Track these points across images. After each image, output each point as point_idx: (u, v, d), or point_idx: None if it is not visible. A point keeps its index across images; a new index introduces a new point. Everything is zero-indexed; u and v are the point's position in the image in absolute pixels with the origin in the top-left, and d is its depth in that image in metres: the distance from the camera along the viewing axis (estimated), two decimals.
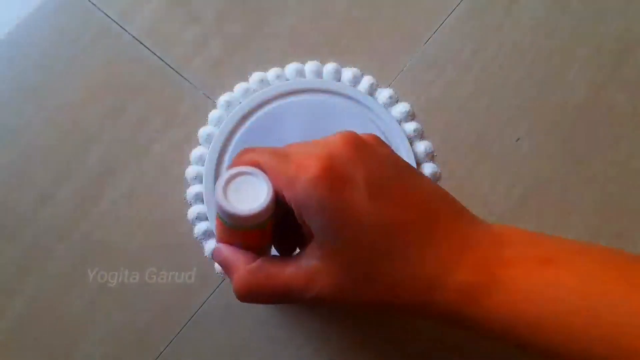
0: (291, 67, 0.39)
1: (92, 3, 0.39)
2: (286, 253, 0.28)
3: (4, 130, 0.37)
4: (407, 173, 0.25)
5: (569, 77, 0.39)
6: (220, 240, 0.27)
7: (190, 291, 0.35)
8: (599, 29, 0.40)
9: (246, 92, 0.38)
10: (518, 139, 0.38)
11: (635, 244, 0.37)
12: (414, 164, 0.37)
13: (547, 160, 0.38)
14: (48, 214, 0.36)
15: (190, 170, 0.37)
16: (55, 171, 0.36)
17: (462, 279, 0.22)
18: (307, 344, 0.35)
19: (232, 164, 0.26)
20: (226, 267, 0.26)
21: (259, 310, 0.35)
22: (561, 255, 0.23)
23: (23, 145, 0.37)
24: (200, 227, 0.36)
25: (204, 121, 0.38)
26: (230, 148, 0.37)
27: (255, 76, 0.38)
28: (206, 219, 0.36)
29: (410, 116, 0.38)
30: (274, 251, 0.29)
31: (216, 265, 0.35)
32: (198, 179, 0.36)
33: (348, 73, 0.39)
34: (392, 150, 0.26)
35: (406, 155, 0.37)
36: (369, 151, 0.24)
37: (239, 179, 0.24)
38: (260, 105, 0.37)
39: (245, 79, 0.38)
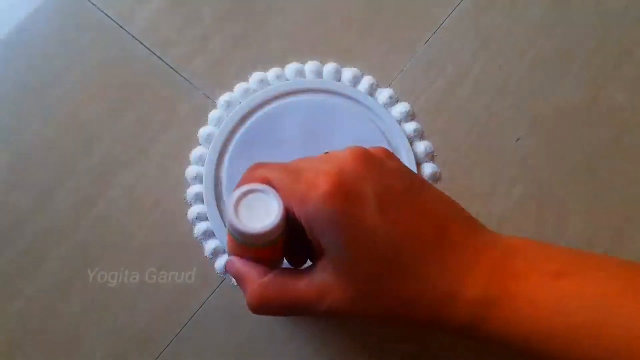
0: (291, 67, 0.39)
1: (92, 3, 0.39)
2: (297, 264, 0.29)
3: (3, 130, 0.37)
4: (417, 186, 0.25)
5: (569, 77, 0.39)
6: (233, 254, 0.27)
7: (190, 291, 0.35)
8: (599, 29, 0.40)
9: (246, 92, 0.38)
10: (518, 139, 0.38)
11: (635, 243, 0.37)
12: (414, 164, 0.37)
13: (547, 160, 0.38)
14: (48, 214, 0.36)
15: (190, 170, 0.37)
16: (55, 171, 0.36)
17: (474, 294, 0.22)
18: (307, 343, 0.35)
19: (242, 180, 0.26)
20: (239, 280, 0.27)
21: None
22: (574, 268, 0.23)
23: (23, 145, 0.37)
24: (200, 227, 0.36)
25: (204, 121, 0.38)
26: (230, 148, 0.37)
27: (255, 76, 0.38)
28: (206, 219, 0.36)
29: (410, 116, 0.38)
30: (285, 263, 0.29)
31: (216, 266, 0.35)
32: (198, 179, 0.36)
33: (348, 73, 0.39)
34: (402, 163, 0.26)
35: (406, 155, 0.37)
36: (378, 165, 0.24)
37: (250, 197, 0.24)
38: (260, 105, 0.37)
39: (245, 79, 0.38)
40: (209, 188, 0.36)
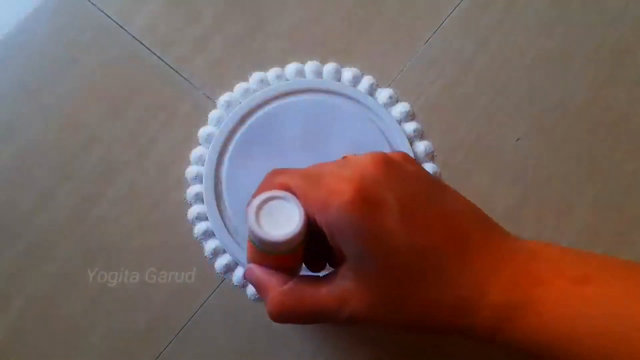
0: (291, 67, 0.39)
1: (92, 3, 0.39)
2: (316, 270, 0.29)
3: (3, 130, 0.37)
4: (437, 190, 0.25)
5: (569, 77, 0.39)
6: (252, 261, 0.27)
7: (190, 291, 0.35)
8: (599, 29, 0.40)
9: (246, 92, 0.38)
10: (518, 139, 0.38)
11: (635, 243, 0.37)
12: None
13: (547, 160, 0.38)
14: (48, 214, 0.36)
15: (190, 170, 0.37)
16: (55, 171, 0.36)
17: (496, 300, 0.22)
18: (307, 343, 0.35)
19: (261, 187, 0.26)
20: (259, 288, 0.26)
21: (259, 310, 0.35)
22: (597, 274, 0.23)
23: (23, 145, 0.37)
24: (200, 227, 0.36)
25: (204, 121, 0.38)
26: (230, 148, 0.37)
27: (255, 76, 0.38)
28: (206, 219, 0.36)
29: (410, 116, 0.38)
30: (304, 269, 0.29)
31: (217, 265, 0.35)
32: (198, 179, 0.36)
33: (348, 73, 0.39)
34: (421, 167, 0.26)
35: None
36: (399, 171, 0.24)
37: (271, 204, 0.24)
38: (260, 105, 0.37)
39: (245, 79, 0.38)
40: (209, 188, 0.36)
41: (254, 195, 0.26)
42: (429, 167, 0.38)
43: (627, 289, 0.22)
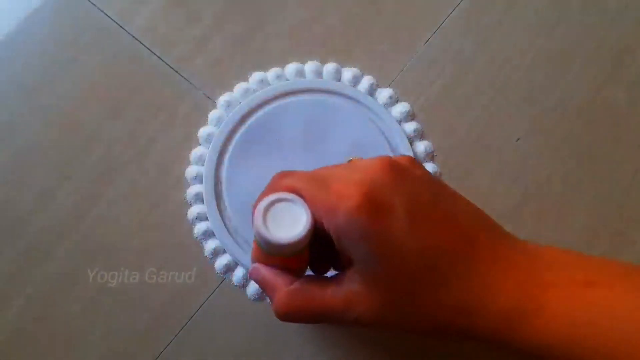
0: (291, 67, 0.39)
1: (92, 3, 0.39)
2: (320, 272, 0.29)
3: (3, 130, 0.37)
4: (444, 194, 0.25)
5: (569, 77, 0.39)
6: (257, 261, 0.27)
7: (190, 291, 0.35)
8: (599, 29, 0.40)
9: (246, 92, 0.38)
10: (518, 139, 0.38)
11: (634, 243, 0.37)
12: None
13: (547, 160, 0.38)
14: (48, 214, 0.36)
15: (190, 170, 0.37)
16: (55, 171, 0.36)
17: (504, 304, 0.22)
18: (307, 343, 0.35)
19: (268, 189, 0.26)
20: (265, 287, 0.26)
21: (259, 310, 0.35)
22: (604, 278, 0.23)
23: (23, 145, 0.37)
24: (200, 227, 0.36)
25: (204, 121, 0.38)
26: (230, 148, 0.37)
27: (255, 76, 0.38)
28: (206, 219, 0.36)
29: (410, 116, 0.38)
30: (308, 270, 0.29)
31: (217, 265, 0.35)
32: (198, 179, 0.36)
33: (348, 73, 0.39)
34: (427, 171, 0.26)
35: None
36: (406, 175, 0.24)
37: (278, 206, 0.24)
38: (260, 105, 0.37)
39: (245, 79, 0.38)
40: (209, 188, 0.36)
41: (260, 197, 0.26)
42: (429, 167, 0.38)
43: (633, 292, 0.22)
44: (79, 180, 0.36)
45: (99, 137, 0.37)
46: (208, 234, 0.36)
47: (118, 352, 0.34)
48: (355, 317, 0.24)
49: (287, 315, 0.25)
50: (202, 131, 0.37)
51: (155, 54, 0.38)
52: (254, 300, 0.35)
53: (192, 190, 0.36)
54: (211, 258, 0.36)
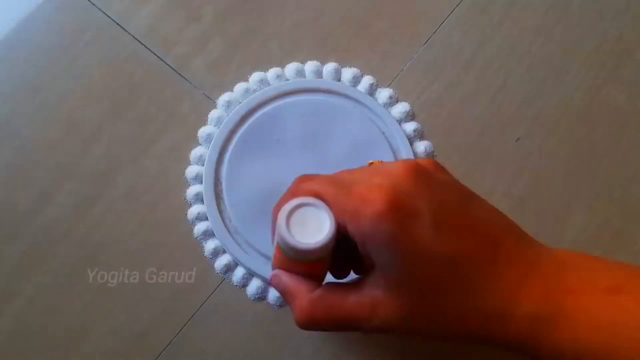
0: (291, 67, 0.39)
1: (92, 3, 0.39)
2: (340, 277, 0.28)
3: (3, 130, 0.37)
4: (468, 199, 0.25)
5: (569, 77, 0.39)
6: (279, 267, 0.27)
7: (190, 291, 0.35)
8: (599, 29, 0.40)
9: (246, 92, 0.38)
10: (518, 139, 0.38)
11: (635, 243, 0.37)
12: None
13: (547, 160, 0.38)
14: (48, 214, 0.36)
15: (190, 170, 0.37)
16: (55, 171, 0.36)
17: (528, 310, 0.22)
18: (307, 343, 0.35)
19: (289, 193, 0.26)
20: (286, 295, 0.26)
21: (259, 310, 0.35)
22: (630, 283, 0.23)
23: (23, 145, 0.37)
24: (200, 227, 0.36)
25: (204, 121, 0.38)
26: (230, 148, 0.37)
27: (255, 76, 0.38)
28: (206, 219, 0.36)
29: (410, 116, 0.38)
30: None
31: (217, 265, 0.35)
32: (198, 179, 0.36)
33: (348, 73, 0.39)
34: (451, 175, 0.26)
35: (406, 155, 0.37)
36: (430, 180, 0.24)
37: (301, 211, 0.24)
38: (260, 105, 0.37)
39: (245, 79, 0.38)
40: (209, 188, 0.36)
41: (281, 202, 0.25)
42: None
43: None
44: (79, 180, 0.36)
45: (99, 137, 0.37)
46: (208, 234, 0.36)
47: (118, 352, 0.34)
48: (378, 324, 0.24)
49: (309, 324, 0.25)
50: (202, 131, 0.37)
51: (155, 54, 0.38)
52: (254, 300, 0.35)
53: (192, 190, 0.36)
54: (211, 258, 0.36)
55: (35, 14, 0.38)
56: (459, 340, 0.24)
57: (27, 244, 0.35)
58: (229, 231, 0.35)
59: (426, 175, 0.24)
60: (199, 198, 0.36)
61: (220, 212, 0.36)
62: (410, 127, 0.38)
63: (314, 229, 0.24)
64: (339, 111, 0.37)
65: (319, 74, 0.39)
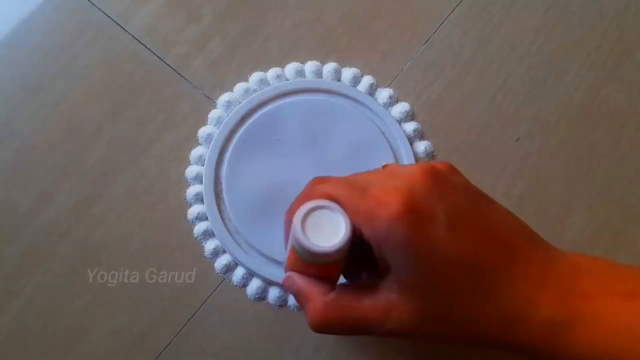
0: (291, 67, 0.39)
1: (92, 3, 0.39)
2: (353, 279, 0.28)
3: (3, 130, 0.37)
4: (483, 202, 0.25)
5: (569, 77, 0.39)
6: (292, 269, 0.27)
7: (190, 291, 0.35)
8: (599, 29, 0.40)
9: (246, 92, 0.38)
10: (518, 139, 0.38)
11: (635, 243, 0.37)
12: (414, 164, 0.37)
13: (547, 160, 0.38)
14: (48, 214, 0.36)
15: (190, 170, 0.37)
16: (55, 171, 0.36)
17: (544, 315, 0.22)
18: (307, 343, 0.35)
19: (303, 196, 0.26)
20: (300, 297, 0.26)
21: (259, 310, 0.35)
22: None
23: (23, 144, 0.37)
24: (200, 227, 0.36)
25: (204, 121, 0.38)
26: (230, 148, 0.37)
27: (255, 76, 0.38)
28: (206, 219, 0.36)
29: (410, 116, 0.38)
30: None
31: (217, 265, 0.35)
32: (198, 179, 0.36)
33: (348, 73, 0.39)
34: (466, 179, 0.26)
35: (406, 155, 0.37)
36: (446, 183, 0.24)
37: (316, 213, 0.24)
38: (260, 105, 0.37)
39: (245, 79, 0.38)
40: (209, 188, 0.36)
41: (295, 204, 0.25)
42: None
43: None
44: (79, 180, 0.36)
45: (99, 137, 0.37)
46: (208, 234, 0.36)
47: (118, 352, 0.34)
48: (392, 327, 0.24)
49: (322, 326, 0.25)
50: (202, 131, 0.37)
51: (155, 54, 0.38)
52: (254, 300, 0.35)
53: (192, 190, 0.36)
54: (211, 258, 0.36)
55: (35, 14, 0.38)
56: (473, 344, 0.24)
57: (27, 244, 0.35)
58: (229, 231, 0.36)
59: (441, 178, 0.24)
60: (199, 198, 0.36)
61: (220, 212, 0.36)
62: (410, 127, 0.38)
63: (329, 231, 0.24)
64: (339, 111, 0.37)
65: (319, 74, 0.39)
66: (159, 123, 0.37)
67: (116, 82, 0.38)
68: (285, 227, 0.27)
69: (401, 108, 0.38)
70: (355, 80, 0.39)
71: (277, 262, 0.35)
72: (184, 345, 0.34)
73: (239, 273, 0.35)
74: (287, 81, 0.38)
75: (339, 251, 0.23)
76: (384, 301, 0.24)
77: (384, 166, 0.26)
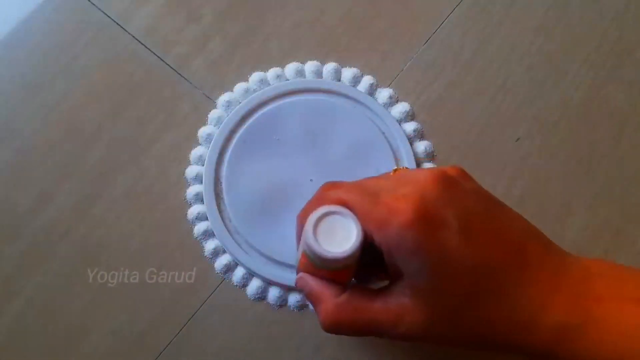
0: (291, 67, 0.39)
1: (92, 3, 0.39)
2: (363, 280, 0.29)
3: (3, 130, 0.37)
4: (495, 207, 0.25)
5: (569, 77, 0.39)
6: (304, 272, 0.27)
7: (190, 291, 0.35)
8: (599, 29, 0.40)
9: (246, 92, 0.38)
10: (518, 139, 0.38)
11: (635, 243, 0.37)
12: (414, 164, 0.37)
13: (547, 160, 0.38)
14: (48, 214, 0.36)
15: (190, 170, 0.37)
16: (55, 171, 0.36)
17: (556, 319, 0.22)
18: (307, 343, 0.35)
19: (315, 200, 0.26)
20: (312, 297, 0.26)
21: (259, 310, 0.35)
22: None
23: (23, 144, 0.37)
24: (200, 227, 0.36)
25: (204, 121, 0.38)
26: (230, 148, 0.37)
27: (255, 76, 0.38)
28: (206, 219, 0.36)
29: (410, 116, 0.38)
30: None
31: (217, 265, 0.35)
32: (198, 179, 0.36)
33: (348, 73, 0.39)
34: (477, 183, 0.26)
35: (406, 155, 0.37)
36: (457, 188, 0.24)
37: (328, 219, 0.24)
38: (260, 105, 0.37)
39: (245, 79, 0.38)
40: (209, 188, 0.36)
41: (307, 209, 0.26)
42: (428, 167, 0.38)
43: None
44: (79, 180, 0.36)
45: (99, 137, 0.37)
46: (208, 234, 0.36)
47: (118, 352, 0.34)
48: (404, 331, 0.24)
49: (333, 327, 0.25)
50: (202, 131, 0.37)
51: (155, 54, 0.38)
52: (254, 300, 0.35)
53: (192, 190, 0.36)
54: (211, 258, 0.36)
55: (35, 14, 0.38)
56: (484, 349, 0.24)
57: (27, 244, 0.35)
58: (229, 231, 0.36)
59: (453, 183, 0.24)
60: (199, 198, 0.36)
61: (220, 212, 0.36)
62: (410, 127, 0.38)
63: (341, 237, 0.24)
64: (339, 111, 0.37)
65: (319, 74, 0.39)
66: (159, 123, 0.37)
67: (116, 82, 0.38)
68: (298, 229, 0.27)
69: (401, 108, 0.38)
70: (355, 80, 0.39)
71: (277, 262, 0.35)
72: (184, 345, 0.34)
73: (239, 273, 0.35)
74: (287, 81, 0.38)
75: (349, 257, 0.24)
76: (396, 305, 0.24)
77: (395, 170, 0.26)
